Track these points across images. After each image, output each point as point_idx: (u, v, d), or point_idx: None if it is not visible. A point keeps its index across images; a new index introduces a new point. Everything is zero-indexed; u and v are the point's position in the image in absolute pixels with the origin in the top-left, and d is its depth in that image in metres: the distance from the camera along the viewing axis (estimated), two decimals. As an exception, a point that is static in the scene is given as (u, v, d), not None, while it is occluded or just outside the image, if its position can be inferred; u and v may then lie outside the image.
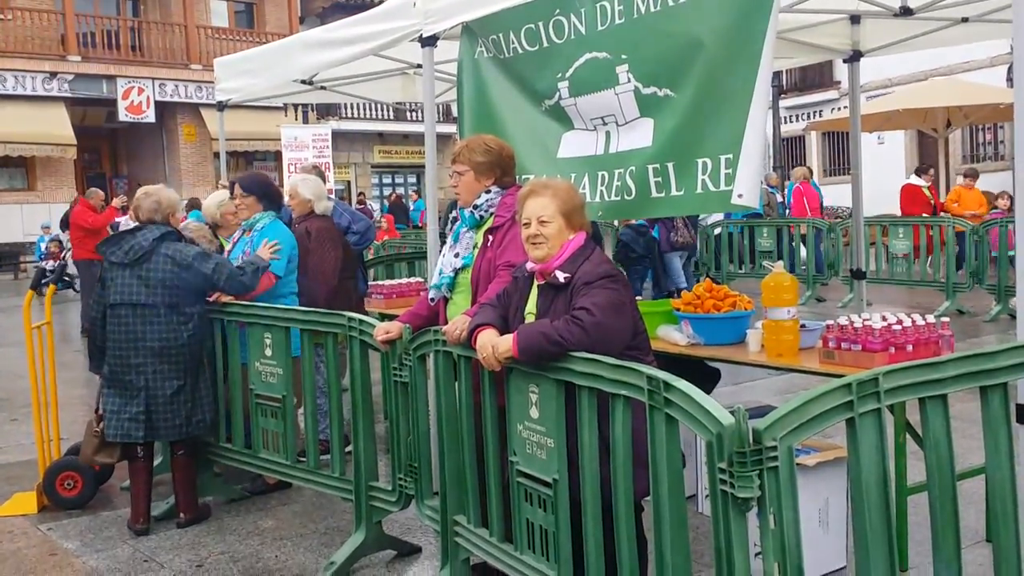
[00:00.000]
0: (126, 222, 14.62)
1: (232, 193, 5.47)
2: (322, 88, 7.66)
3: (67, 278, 17.32)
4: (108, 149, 26.71)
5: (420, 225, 25.67)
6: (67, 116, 22.61)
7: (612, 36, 4.26)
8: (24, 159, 22.53)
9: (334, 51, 5.75)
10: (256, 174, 5.80)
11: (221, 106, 7.61)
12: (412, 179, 31.80)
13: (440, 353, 3.75)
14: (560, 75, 4.52)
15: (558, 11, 4.44)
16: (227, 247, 5.65)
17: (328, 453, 4.57)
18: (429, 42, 4.99)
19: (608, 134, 4.49)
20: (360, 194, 27.23)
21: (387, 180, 31.39)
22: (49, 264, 17.46)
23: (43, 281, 5.74)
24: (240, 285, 4.84)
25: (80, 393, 6.47)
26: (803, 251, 13.46)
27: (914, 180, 14.03)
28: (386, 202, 28.86)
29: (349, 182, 29.13)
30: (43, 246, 18.53)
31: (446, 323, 3.86)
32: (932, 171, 14.44)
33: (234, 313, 4.93)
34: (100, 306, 4.78)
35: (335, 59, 5.81)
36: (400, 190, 30.82)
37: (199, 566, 4.30)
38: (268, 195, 5.39)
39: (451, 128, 24.94)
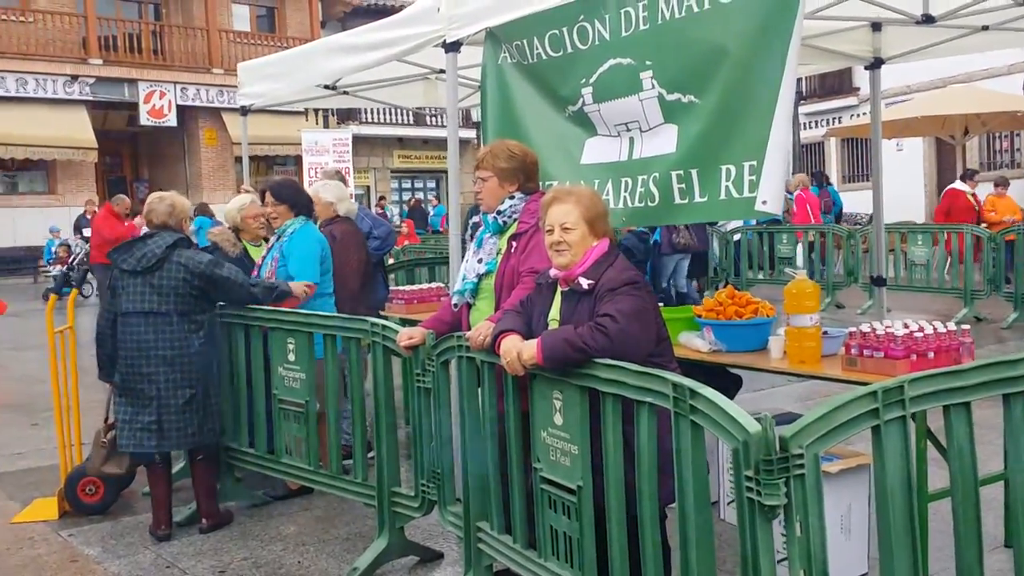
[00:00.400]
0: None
1: (263, 201, 5.49)
2: (344, 93, 7.70)
3: (74, 283, 17.53)
4: (129, 153, 26.89)
5: (439, 230, 25.75)
6: (88, 119, 22.77)
7: (636, 42, 4.26)
8: (45, 162, 22.70)
9: (358, 56, 5.76)
10: (286, 180, 5.82)
11: (244, 111, 7.64)
12: (431, 184, 31.89)
13: (463, 359, 3.75)
14: (584, 81, 4.53)
15: (582, 17, 4.45)
16: (250, 251, 5.68)
17: (351, 458, 4.58)
18: (453, 48, 5.00)
19: (632, 140, 4.49)
20: (381, 198, 27.34)
21: (406, 185, 31.48)
22: (55, 270, 17.60)
23: (64, 287, 5.77)
24: (250, 296, 4.86)
25: (100, 398, 6.42)
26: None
27: (959, 185, 14.00)
28: (405, 207, 28.94)
29: (369, 187, 29.23)
30: (52, 250, 18.64)
31: (469, 329, 3.87)
32: (976, 177, 14.38)
33: (257, 318, 4.94)
34: (110, 314, 4.75)
35: (359, 64, 5.83)
36: (419, 194, 30.90)
37: (221, 572, 4.31)
38: (299, 202, 5.41)
39: (471, 133, 24.89)
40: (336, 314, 4.99)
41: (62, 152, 22.26)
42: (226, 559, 4.45)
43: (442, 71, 7.20)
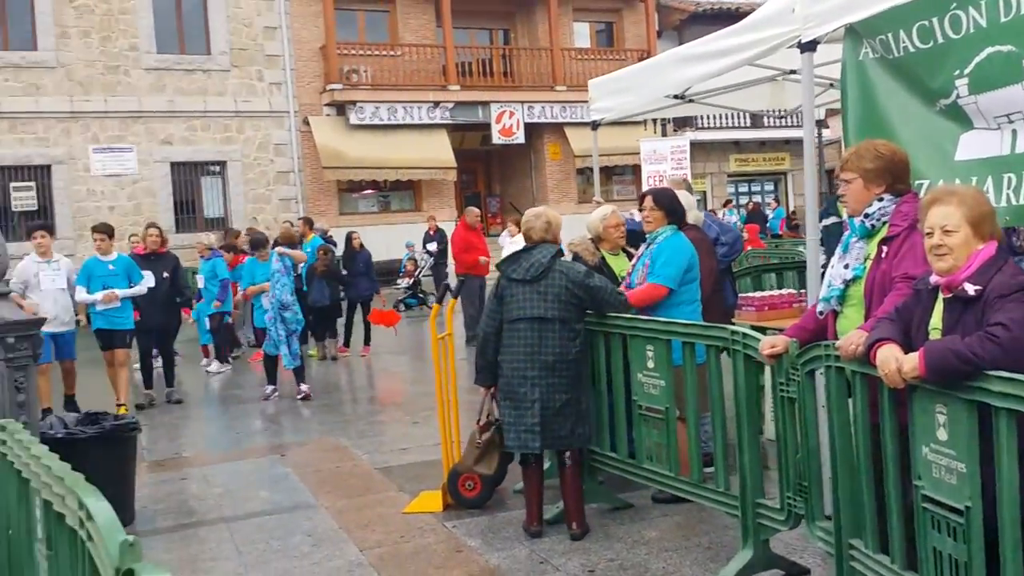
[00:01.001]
0: (504, 238, 15.68)
1: (641, 205, 5.69)
2: (690, 101, 7.74)
3: (421, 295, 19.09)
4: (482, 170, 28.72)
5: (780, 234, 25.01)
6: (448, 142, 24.66)
7: (1017, 28, 3.90)
8: (412, 183, 24.88)
9: (709, 63, 5.78)
10: (666, 190, 5.96)
11: (595, 125, 7.92)
12: (769, 187, 31.08)
13: (832, 368, 3.63)
14: (958, 72, 4.21)
15: (955, 5, 4.14)
16: (608, 260, 5.87)
17: (710, 466, 4.59)
18: (809, 47, 4.87)
19: (1015, 132, 4.11)
20: (727, 201, 27.07)
21: (743, 188, 30.92)
22: (403, 282, 19.21)
23: (444, 296, 6.28)
24: (620, 305, 5.06)
25: (467, 399, 6.99)
26: None
27: None
28: (743, 211, 28.43)
29: (705, 192, 29.05)
30: (403, 263, 20.31)
31: (835, 337, 3.74)
32: None
33: (616, 325, 5.10)
34: (495, 321, 5.08)
35: (710, 71, 5.85)
36: (756, 198, 30.21)
37: (591, 572, 4.48)
38: (674, 211, 5.55)
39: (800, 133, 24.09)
40: (695, 322, 5.03)
41: (426, 172, 24.29)
42: (594, 559, 4.63)
43: (791, 72, 7.05)
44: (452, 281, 17.73)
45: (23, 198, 20.37)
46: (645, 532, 4.98)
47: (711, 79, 6.34)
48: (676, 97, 7.38)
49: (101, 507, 2.14)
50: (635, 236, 6.20)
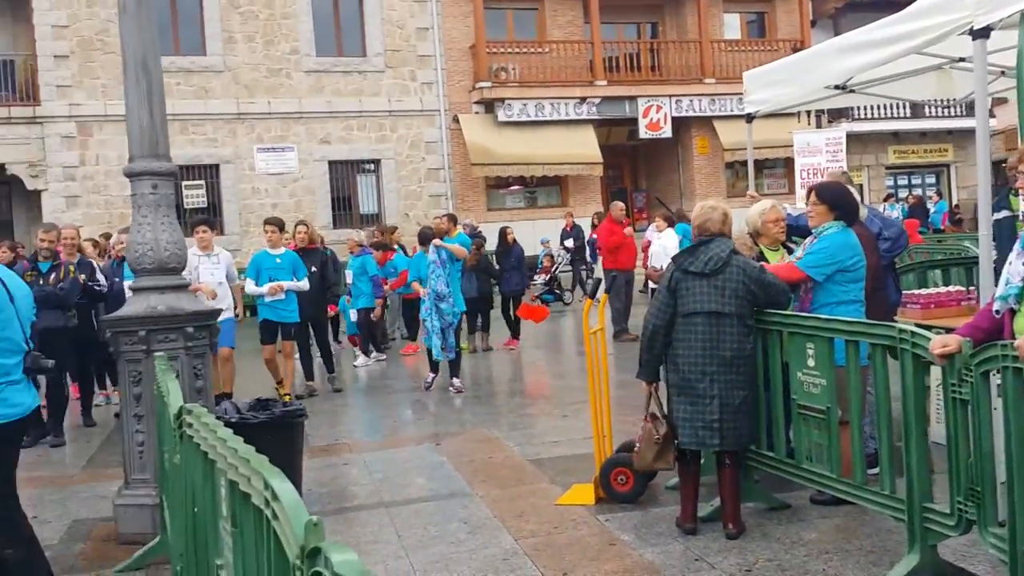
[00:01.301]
0: (651, 233, 15.58)
1: (807, 199, 5.57)
2: (851, 92, 7.51)
3: (558, 291, 19.22)
4: (628, 165, 28.56)
5: (942, 228, 23.86)
6: (595, 137, 24.65)
7: None
8: (558, 178, 25.02)
9: (874, 52, 5.62)
10: (834, 183, 5.77)
11: (749, 118, 7.80)
12: (930, 179, 29.69)
13: (1009, 369, 3.48)
14: None
15: None
16: (767, 255, 5.77)
17: (874, 467, 4.46)
18: (981, 34, 4.67)
19: None
20: (888, 195, 26.05)
21: (902, 181, 29.62)
22: (539, 278, 19.28)
23: (596, 291, 6.31)
24: (788, 299, 4.98)
25: (616, 394, 6.98)
26: None
27: None
28: (904, 204, 27.27)
29: (862, 185, 27.99)
30: (540, 259, 20.38)
31: (1012, 337, 3.58)
32: None
33: (775, 322, 5.01)
34: (666, 315, 4.96)
35: (874, 60, 5.69)
36: (917, 191, 28.90)
37: (748, 571, 4.42)
38: (840, 205, 5.37)
39: (969, 123, 22.81)
40: (860, 319, 4.89)
41: (573, 168, 24.39)
42: (750, 558, 4.56)
43: (959, 60, 6.74)
44: (598, 277, 17.83)
45: (194, 196, 21.58)
46: (803, 533, 4.87)
47: (874, 68, 6.14)
48: (836, 88, 7.18)
49: (285, 488, 2.26)
50: (794, 231, 6.07)
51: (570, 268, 20.29)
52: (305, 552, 1.77)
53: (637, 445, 5.19)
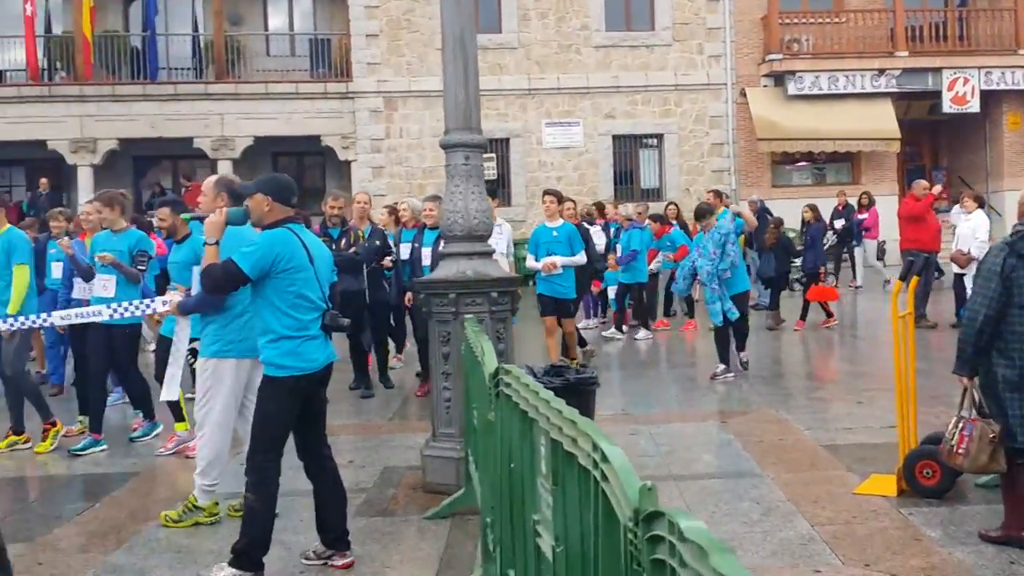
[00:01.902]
0: (957, 214, 14.52)
1: None
2: None
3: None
4: (928, 141, 26.65)
5: None
6: (892, 111, 23.19)
7: None
8: (850, 154, 23.79)
9: None
10: None
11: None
12: None
13: None
14: None
15: None
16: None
17: None
18: None
19: None
20: None
21: None
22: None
23: (909, 273, 5.98)
24: None
25: (921, 384, 6.55)
26: None
27: None
28: None
29: None
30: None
31: None
32: None
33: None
34: (999, 304, 4.56)
35: None
36: None
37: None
38: None
39: None
40: None
41: (867, 144, 23.09)
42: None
43: None
44: (910, 259, 16.86)
45: (485, 168, 22.53)
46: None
47: None
48: None
49: (615, 452, 2.34)
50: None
51: (833, 251, 19.19)
52: (640, 515, 1.81)
53: (952, 444, 4.79)
